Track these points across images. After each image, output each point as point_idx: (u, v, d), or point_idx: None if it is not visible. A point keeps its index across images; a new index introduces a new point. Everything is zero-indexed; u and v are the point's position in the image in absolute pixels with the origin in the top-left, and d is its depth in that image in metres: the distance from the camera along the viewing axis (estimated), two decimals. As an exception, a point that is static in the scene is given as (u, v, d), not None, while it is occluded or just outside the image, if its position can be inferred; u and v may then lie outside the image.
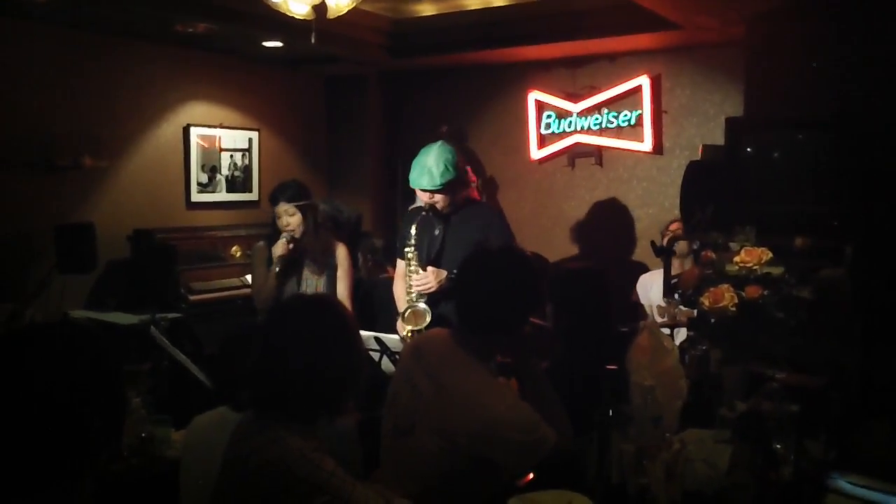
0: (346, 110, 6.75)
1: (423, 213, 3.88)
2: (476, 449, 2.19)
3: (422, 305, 3.81)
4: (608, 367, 2.26)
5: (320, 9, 3.39)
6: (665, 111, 5.71)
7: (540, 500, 2.19)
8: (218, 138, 5.86)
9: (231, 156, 5.97)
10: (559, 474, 2.29)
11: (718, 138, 3.93)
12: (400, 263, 4.01)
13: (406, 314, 3.83)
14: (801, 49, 3.78)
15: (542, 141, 6.14)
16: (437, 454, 2.22)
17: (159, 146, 5.53)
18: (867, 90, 3.46)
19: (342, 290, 4.03)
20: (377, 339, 3.56)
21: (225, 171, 5.93)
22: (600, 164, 5.97)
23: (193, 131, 5.69)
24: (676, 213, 4.21)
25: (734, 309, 2.53)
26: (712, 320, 2.61)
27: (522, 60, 6.04)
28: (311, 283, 4.03)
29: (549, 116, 6.08)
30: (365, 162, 6.71)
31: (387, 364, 3.54)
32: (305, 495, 1.80)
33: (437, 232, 3.90)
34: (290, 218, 3.96)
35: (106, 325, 4.13)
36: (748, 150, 3.51)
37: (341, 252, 4.09)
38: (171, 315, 4.25)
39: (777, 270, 2.58)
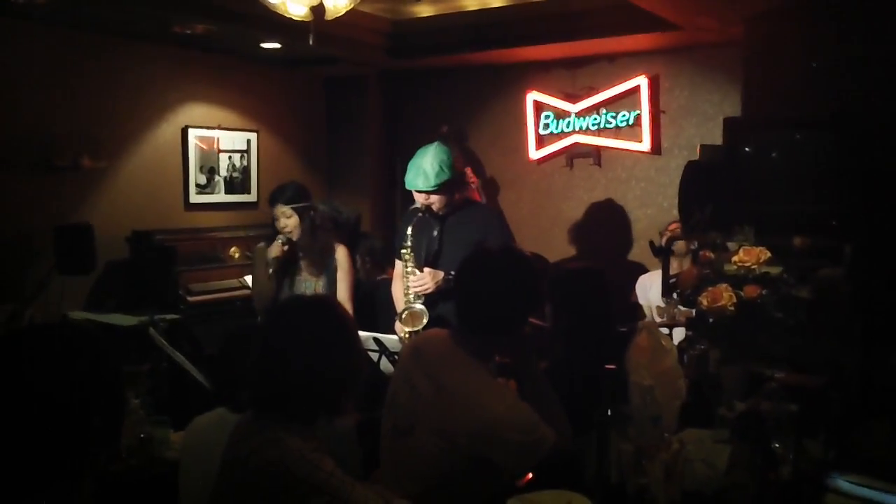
0: (345, 111, 6.75)
1: (420, 214, 3.88)
2: (475, 449, 2.19)
3: (418, 306, 3.81)
4: (607, 367, 2.26)
5: (318, 10, 3.39)
6: (663, 111, 5.71)
7: (539, 500, 2.19)
8: (216, 139, 5.86)
9: (230, 157, 5.97)
10: (558, 474, 2.29)
11: (717, 138, 3.93)
12: (398, 264, 4.01)
13: (403, 315, 3.83)
14: (800, 49, 3.78)
15: (541, 141, 6.14)
16: (437, 454, 2.22)
17: (158, 147, 5.53)
18: (865, 90, 3.46)
19: (343, 292, 4.01)
20: (376, 340, 3.56)
21: (223, 172, 5.93)
22: (599, 164, 5.97)
23: (192, 132, 5.69)
24: (675, 213, 4.20)
25: (733, 308, 2.53)
26: (711, 320, 2.61)
27: (521, 61, 6.04)
28: (310, 284, 4.03)
29: (547, 117, 6.08)
30: (364, 162, 6.71)
31: (386, 364, 3.54)
32: (304, 496, 1.80)
33: (434, 233, 3.91)
34: (288, 220, 3.96)
35: (105, 326, 4.13)
36: (746, 149, 3.51)
37: (341, 253, 4.07)
38: (169, 316, 4.26)
39: (775, 270, 2.58)
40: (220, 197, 5.93)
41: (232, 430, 2.01)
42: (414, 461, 2.27)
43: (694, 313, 2.75)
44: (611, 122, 5.85)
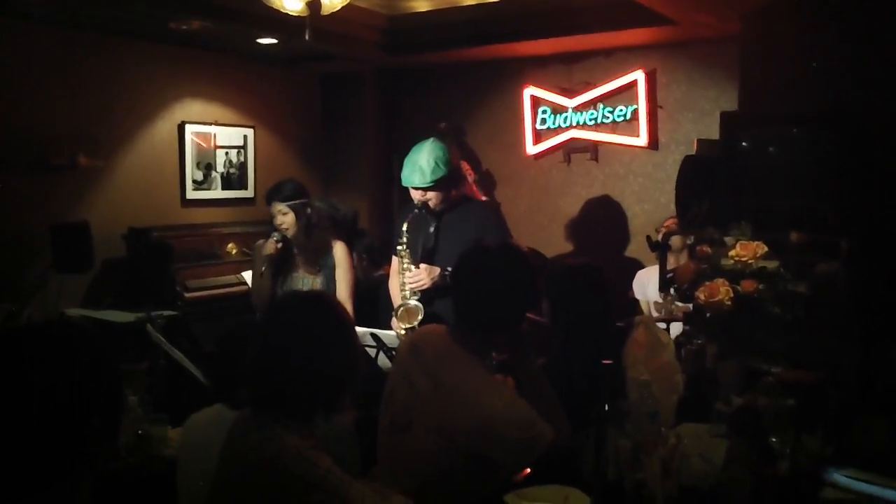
0: (342, 107, 6.74)
1: (416, 210, 3.88)
2: (473, 446, 2.19)
3: (413, 302, 3.81)
4: (604, 362, 2.26)
5: (314, 6, 3.39)
6: (660, 106, 5.71)
7: (537, 496, 2.20)
8: (213, 136, 5.85)
9: (226, 153, 5.97)
10: (556, 470, 2.30)
11: (714, 133, 3.93)
12: (395, 261, 4.01)
13: (399, 312, 3.83)
14: (797, 44, 3.78)
15: (538, 136, 6.14)
16: (435, 451, 2.22)
17: (154, 144, 5.52)
18: (862, 85, 3.46)
19: (343, 289, 4.00)
20: (374, 336, 3.56)
21: (220, 168, 5.93)
22: (596, 159, 5.97)
23: (188, 129, 5.68)
24: (672, 208, 4.20)
25: (730, 303, 2.53)
26: (708, 315, 2.61)
27: (517, 56, 6.04)
28: (308, 282, 4.03)
29: (544, 112, 6.08)
30: (361, 159, 6.70)
31: (383, 361, 3.54)
32: (302, 493, 1.80)
33: (430, 229, 3.90)
34: (284, 217, 3.96)
35: (102, 324, 4.13)
36: (743, 144, 3.51)
37: (340, 250, 4.07)
38: (167, 313, 4.25)
39: (772, 265, 2.58)
40: (217, 193, 5.92)
41: (230, 428, 2.01)
42: (411, 458, 2.27)
43: (691, 308, 2.75)
44: (608, 118, 5.85)
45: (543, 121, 6.08)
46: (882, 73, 3.42)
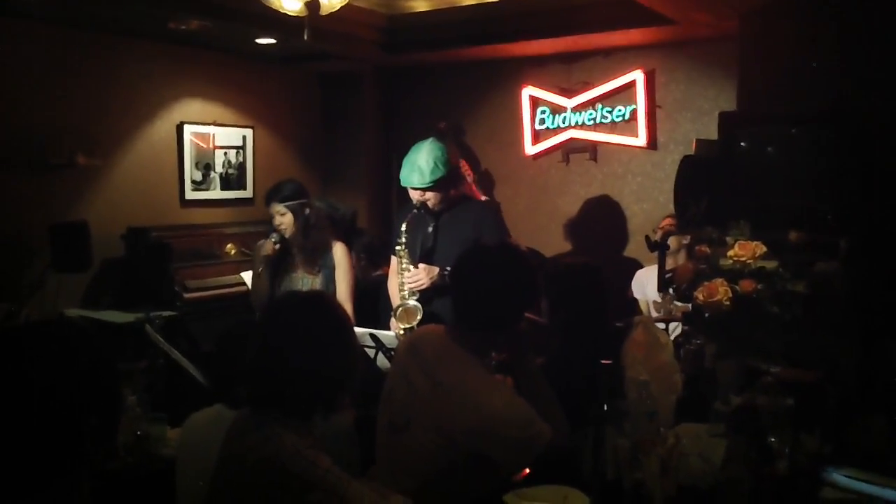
0: (341, 107, 6.74)
1: (415, 210, 3.88)
2: (472, 445, 2.19)
3: (411, 302, 3.81)
4: (603, 362, 2.26)
5: (313, 5, 3.39)
6: (659, 106, 5.71)
7: (536, 496, 2.20)
8: (212, 136, 5.85)
9: (225, 153, 5.97)
10: (555, 470, 2.30)
11: (713, 133, 3.92)
12: (394, 261, 4.01)
13: (398, 312, 3.83)
14: (796, 44, 3.78)
15: (537, 136, 6.13)
16: (433, 451, 2.22)
17: (153, 144, 5.52)
18: (861, 85, 3.46)
19: (343, 290, 4.00)
20: (372, 336, 3.56)
21: (219, 168, 5.93)
22: (595, 159, 5.97)
23: (187, 129, 5.68)
24: (671, 208, 4.20)
25: (728, 303, 2.54)
26: (707, 315, 2.61)
27: (516, 56, 6.03)
28: (307, 282, 4.03)
29: (543, 112, 6.07)
30: (360, 159, 6.70)
31: (382, 361, 3.54)
32: (300, 492, 1.80)
33: (429, 229, 3.90)
34: (282, 218, 3.96)
35: (101, 324, 4.13)
36: (742, 144, 3.51)
37: (339, 251, 4.06)
38: (166, 313, 4.26)
39: (771, 264, 2.58)
40: (216, 193, 5.92)
41: (229, 427, 2.01)
42: (410, 457, 2.27)
43: (690, 308, 2.75)
44: (607, 117, 5.84)
45: (542, 121, 6.08)
46: (881, 73, 3.42)
